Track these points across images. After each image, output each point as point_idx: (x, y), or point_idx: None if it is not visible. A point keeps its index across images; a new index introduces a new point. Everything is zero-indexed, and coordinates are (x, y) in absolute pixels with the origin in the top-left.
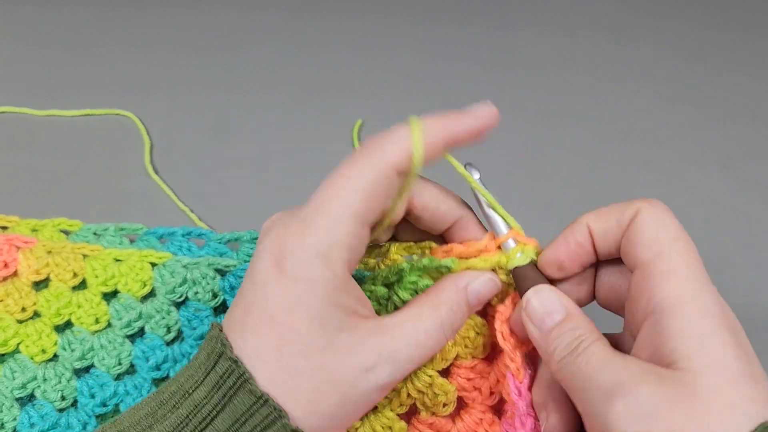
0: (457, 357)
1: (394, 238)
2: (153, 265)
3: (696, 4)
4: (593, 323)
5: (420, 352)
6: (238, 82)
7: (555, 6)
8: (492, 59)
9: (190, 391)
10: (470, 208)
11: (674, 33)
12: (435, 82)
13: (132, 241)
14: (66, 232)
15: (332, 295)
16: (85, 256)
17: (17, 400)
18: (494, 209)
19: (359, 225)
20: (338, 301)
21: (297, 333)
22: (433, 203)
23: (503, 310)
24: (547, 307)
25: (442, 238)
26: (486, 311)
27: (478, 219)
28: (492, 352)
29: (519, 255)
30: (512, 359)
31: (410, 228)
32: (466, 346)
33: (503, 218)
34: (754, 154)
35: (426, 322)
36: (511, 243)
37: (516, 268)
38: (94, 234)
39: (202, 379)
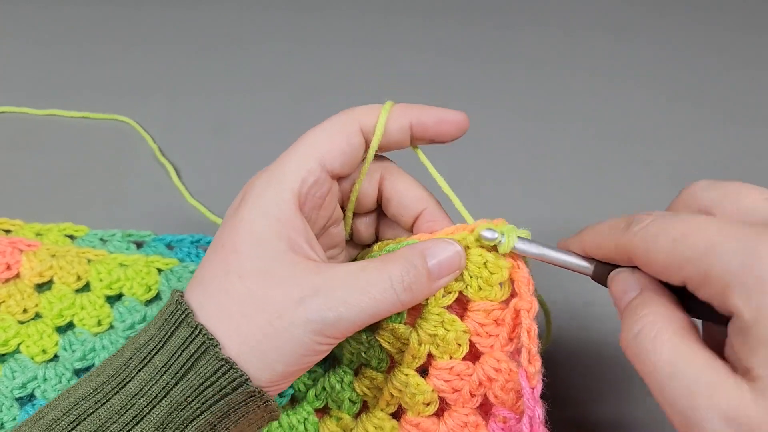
0: (432, 357)
1: (377, 239)
2: (159, 270)
3: (696, 4)
4: (674, 305)
5: (359, 298)
6: (239, 82)
7: (555, 6)
8: (492, 59)
9: (141, 335)
10: (438, 202)
11: (674, 33)
12: (435, 82)
13: (139, 247)
14: (71, 237)
15: (278, 222)
16: (89, 260)
17: (17, 399)
18: (454, 203)
19: (318, 164)
20: (282, 231)
21: (238, 255)
22: (402, 188)
23: (528, 307)
24: (622, 285)
25: (412, 232)
26: (462, 310)
27: (445, 213)
28: (472, 354)
29: (488, 232)
30: (531, 362)
31: (390, 225)
32: (437, 345)
33: (461, 212)
34: (754, 154)
35: (370, 272)
36: (486, 233)
37: (519, 247)
38: (101, 239)
39: (152, 326)
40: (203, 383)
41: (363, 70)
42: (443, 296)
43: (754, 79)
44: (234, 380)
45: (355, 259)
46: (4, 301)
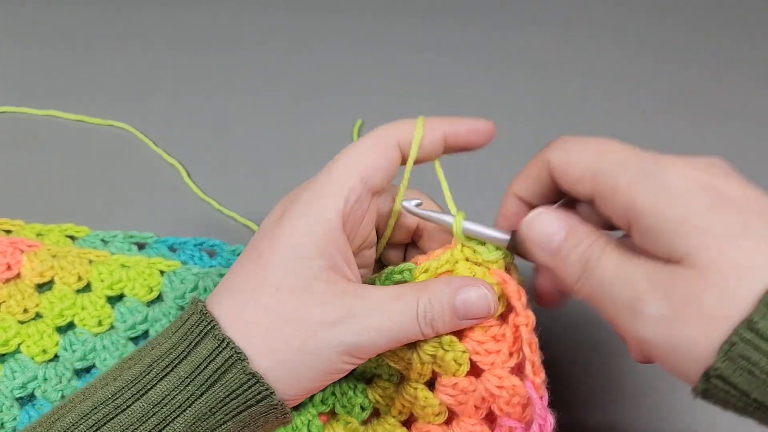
0: (436, 374)
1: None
2: (162, 272)
3: (696, 5)
4: (598, 229)
5: (388, 326)
6: (239, 82)
7: (555, 7)
8: (492, 59)
9: (160, 343)
10: None
11: (674, 33)
12: (435, 83)
13: (141, 249)
14: (72, 238)
15: (321, 240)
16: (90, 261)
17: (17, 399)
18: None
19: (360, 182)
20: (323, 249)
21: (276, 268)
22: (435, 228)
23: (526, 321)
24: (546, 228)
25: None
26: (460, 330)
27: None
28: (475, 370)
29: (452, 221)
30: (537, 374)
31: (421, 251)
32: (439, 366)
33: (451, 207)
34: (754, 154)
35: (404, 302)
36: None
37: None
38: (102, 240)
39: (172, 333)
40: (229, 395)
41: (363, 70)
42: None
43: (753, 80)
44: (259, 393)
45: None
46: (4, 301)
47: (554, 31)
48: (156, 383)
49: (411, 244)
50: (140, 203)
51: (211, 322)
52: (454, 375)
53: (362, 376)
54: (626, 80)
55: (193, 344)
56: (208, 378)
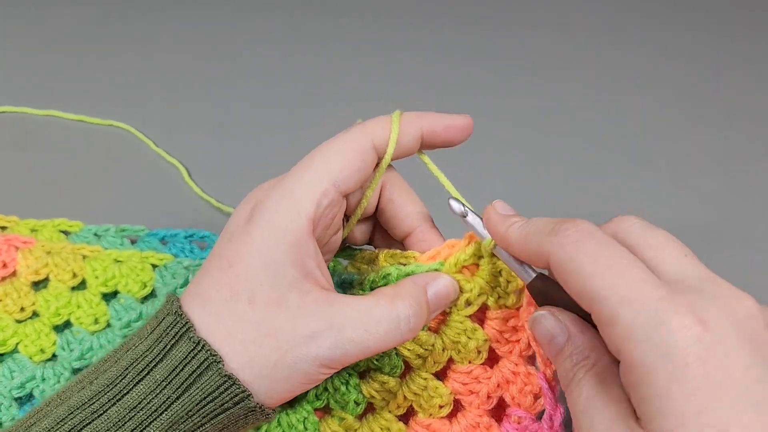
0: (451, 361)
1: (370, 243)
2: (154, 266)
3: (695, 5)
4: (594, 342)
5: (366, 337)
6: (239, 83)
7: (554, 8)
8: (491, 61)
9: (135, 344)
10: (431, 220)
11: (674, 34)
12: (434, 84)
13: (133, 242)
14: (66, 233)
15: (292, 248)
16: (84, 256)
17: (16, 399)
18: (461, 202)
19: (332, 186)
20: (297, 257)
21: (248, 278)
22: (399, 202)
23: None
24: (551, 330)
25: (402, 243)
26: (482, 318)
27: (438, 232)
28: (491, 358)
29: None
30: (548, 365)
31: (385, 233)
32: (459, 351)
33: (465, 206)
34: (754, 154)
35: (380, 310)
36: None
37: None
38: (95, 235)
39: (147, 334)
40: (205, 398)
41: (361, 71)
42: (466, 306)
43: (753, 80)
44: (236, 395)
45: (353, 258)
46: (1, 300)
47: (554, 32)
48: (132, 387)
49: (378, 222)
50: (140, 203)
51: (186, 323)
52: (470, 363)
53: (356, 368)
54: (627, 80)
55: (168, 347)
56: (184, 381)
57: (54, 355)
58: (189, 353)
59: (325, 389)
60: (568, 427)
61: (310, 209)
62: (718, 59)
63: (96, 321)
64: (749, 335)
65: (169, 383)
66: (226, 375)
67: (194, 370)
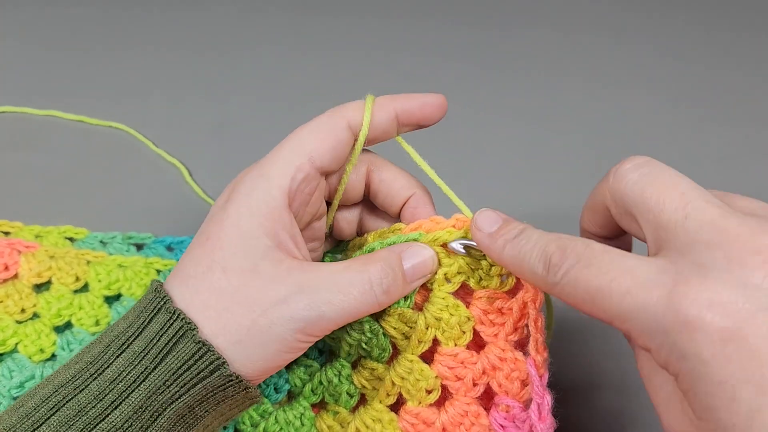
0: (437, 343)
1: (359, 235)
2: (158, 271)
3: (695, 5)
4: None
5: (341, 298)
6: (239, 83)
7: (554, 7)
8: (491, 60)
9: (118, 324)
10: (424, 188)
11: (673, 33)
12: (434, 84)
13: (139, 249)
14: (71, 240)
15: (266, 219)
16: (88, 261)
17: (15, 399)
18: (444, 191)
19: (308, 160)
20: (270, 228)
21: (222, 249)
22: (389, 177)
23: (534, 298)
24: (490, 218)
25: (400, 219)
26: (466, 297)
27: (430, 198)
28: (476, 342)
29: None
30: (539, 351)
31: (373, 220)
32: (443, 331)
33: (454, 201)
34: (753, 154)
35: (352, 273)
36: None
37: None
38: (101, 242)
39: (130, 314)
40: (181, 366)
41: (361, 71)
42: (447, 283)
43: (753, 80)
44: (212, 363)
45: (346, 249)
46: (1, 302)
47: (554, 31)
48: (113, 361)
49: (365, 209)
50: (140, 204)
51: (164, 297)
52: (455, 344)
53: (348, 358)
54: (626, 79)
55: (147, 321)
56: (161, 350)
57: (53, 355)
58: (165, 323)
59: (320, 383)
60: (556, 415)
61: (284, 183)
62: (718, 58)
63: (97, 322)
64: None
65: (146, 354)
66: (200, 341)
67: (170, 339)
